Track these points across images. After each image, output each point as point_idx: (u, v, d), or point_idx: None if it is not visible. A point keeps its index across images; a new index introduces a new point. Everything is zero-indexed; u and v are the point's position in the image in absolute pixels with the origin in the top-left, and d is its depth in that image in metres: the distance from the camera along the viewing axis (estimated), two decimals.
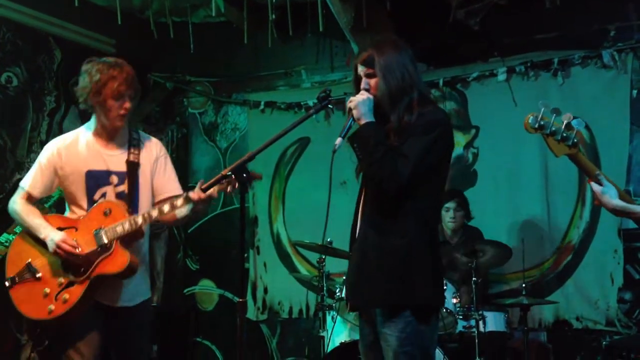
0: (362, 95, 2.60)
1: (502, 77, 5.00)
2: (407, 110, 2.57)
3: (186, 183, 6.13)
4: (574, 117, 2.42)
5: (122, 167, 3.14)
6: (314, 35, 5.51)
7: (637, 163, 4.63)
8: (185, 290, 6.06)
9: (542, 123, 2.40)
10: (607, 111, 4.70)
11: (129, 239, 2.99)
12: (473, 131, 5.18)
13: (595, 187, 2.42)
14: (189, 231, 6.12)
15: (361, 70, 2.67)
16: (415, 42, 5.07)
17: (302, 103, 5.71)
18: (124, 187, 3.12)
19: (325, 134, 5.55)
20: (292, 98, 5.79)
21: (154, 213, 2.97)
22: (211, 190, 2.88)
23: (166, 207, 2.96)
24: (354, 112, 2.59)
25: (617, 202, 2.38)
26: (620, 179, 4.57)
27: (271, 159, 5.80)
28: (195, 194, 2.89)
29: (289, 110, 5.79)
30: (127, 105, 3.06)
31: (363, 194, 2.73)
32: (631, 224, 3.58)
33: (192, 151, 6.20)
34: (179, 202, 2.96)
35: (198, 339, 5.97)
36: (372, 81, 2.63)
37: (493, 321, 4.20)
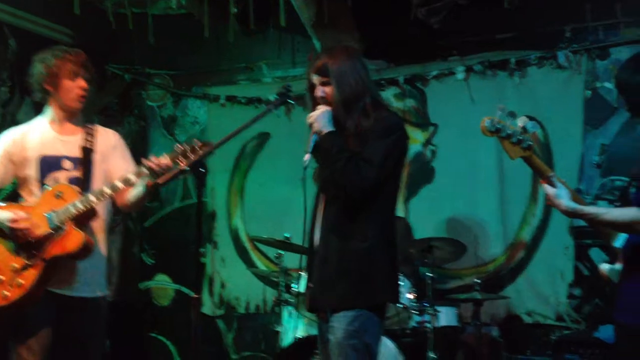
0: (320, 109, 2.67)
1: (460, 75, 5.07)
2: (363, 115, 2.65)
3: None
4: (529, 120, 2.49)
5: (77, 153, 3.14)
6: (276, 29, 5.51)
7: (589, 162, 4.74)
8: (140, 285, 6.00)
9: (498, 127, 2.45)
10: (561, 111, 4.80)
11: (82, 219, 2.98)
12: (432, 129, 5.23)
13: (548, 189, 2.48)
14: (145, 225, 6.05)
15: (315, 79, 2.72)
16: (376, 39, 5.17)
17: (263, 98, 5.69)
18: (77, 173, 3.11)
19: (285, 129, 5.56)
20: (253, 93, 5.77)
21: (107, 190, 2.97)
22: (166, 160, 2.88)
23: (119, 183, 2.97)
24: (315, 125, 2.66)
25: (569, 204, 2.44)
26: (572, 178, 4.68)
27: (231, 153, 5.78)
28: (149, 162, 2.90)
29: (250, 105, 5.76)
30: (83, 84, 3.08)
31: (322, 197, 2.77)
32: (582, 222, 3.68)
33: (150, 144, 6.12)
34: (132, 176, 2.96)
35: (153, 335, 5.92)
36: (327, 89, 2.69)
37: (446, 316, 4.26)
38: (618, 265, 2.60)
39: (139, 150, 5.98)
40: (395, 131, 2.67)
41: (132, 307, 5.81)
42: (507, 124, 2.47)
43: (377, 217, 2.65)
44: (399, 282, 2.87)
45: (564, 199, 2.44)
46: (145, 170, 2.94)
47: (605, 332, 4.01)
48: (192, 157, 2.76)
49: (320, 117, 2.65)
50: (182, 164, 2.80)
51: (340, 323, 2.59)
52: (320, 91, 2.70)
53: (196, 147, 2.79)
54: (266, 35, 5.68)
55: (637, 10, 4.65)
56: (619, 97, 4.60)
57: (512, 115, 2.48)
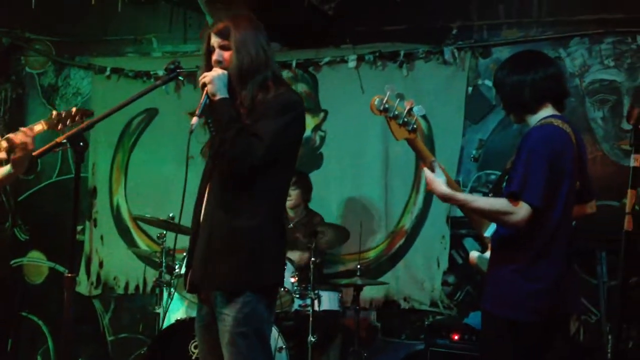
0: (217, 71, 2.55)
1: (352, 64, 5.14)
2: (262, 89, 2.55)
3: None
4: (415, 105, 2.56)
5: None
6: (168, 2, 5.34)
7: (467, 155, 4.95)
8: (11, 262, 5.70)
9: (386, 106, 2.50)
10: (444, 105, 4.97)
11: None
12: (322, 114, 5.29)
13: (428, 172, 2.57)
14: (19, 199, 5.74)
15: (215, 41, 2.60)
16: (270, 21, 5.11)
17: (151, 72, 5.52)
18: None
19: (174, 106, 5.43)
20: (142, 66, 5.58)
21: None
22: (31, 131, 2.73)
23: None
24: (209, 87, 2.52)
25: (444, 189, 2.53)
26: (451, 170, 4.87)
27: (115, 128, 5.58)
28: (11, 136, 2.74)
29: (137, 79, 5.58)
30: None
31: (210, 172, 2.67)
32: (459, 212, 3.86)
33: (28, 113, 5.81)
34: None
35: (24, 314, 5.65)
36: (226, 54, 2.57)
37: (328, 300, 4.34)
38: (487, 254, 2.74)
39: (15, 120, 5.67)
40: (293, 109, 2.58)
41: (1, 285, 5.52)
42: (395, 104, 2.52)
43: (268, 194, 2.56)
44: (286, 264, 2.85)
45: (440, 185, 2.54)
46: (4, 144, 2.76)
47: (475, 318, 4.22)
48: (69, 124, 2.62)
49: (216, 79, 2.52)
50: (59, 129, 2.67)
51: (229, 310, 2.50)
52: (217, 54, 2.58)
53: (73, 114, 2.66)
54: (157, 8, 5.50)
55: (518, 12, 4.90)
56: (497, 95, 4.84)
57: (400, 96, 2.52)
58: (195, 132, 2.53)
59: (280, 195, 2.68)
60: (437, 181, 2.54)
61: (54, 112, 2.93)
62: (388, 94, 2.51)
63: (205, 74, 2.56)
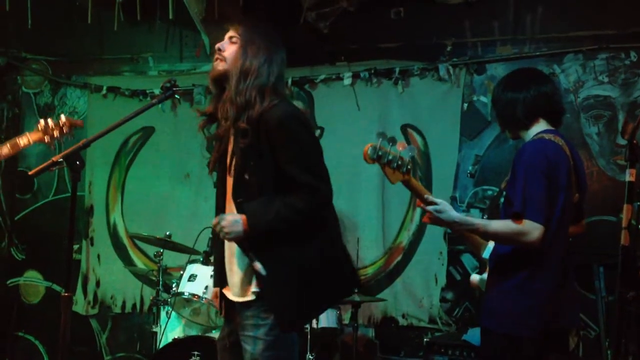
0: (226, 221, 2.46)
1: (347, 81, 5.16)
2: (259, 94, 2.48)
3: (15, 167, 5.74)
4: (407, 145, 2.56)
5: None
6: (164, 22, 5.36)
7: (463, 171, 4.96)
8: (8, 282, 5.67)
9: (380, 153, 2.49)
10: (440, 121, 4.99)
11: None
12: (318, 132, 5.29)
13: (432, 207, 2.54)
14: (15, 218, 5.73)
15: (227, 34, 2.59)
16: None
17: (148, 91, 5.53)
18: None
19: (170, 124, 5.44)
20: (138, 85, 5.59)
21: None
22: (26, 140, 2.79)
23: None
24: (234, 238, 2.46)
25: (456, 215, 2.53)
26: (448, 186, 4.89)
27: (112, 147, 5.58)
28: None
29: (134, 98, 5.59)
30: None
31: (227, 188, 2.59)
32: None
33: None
34: None
35: (20, 334, 5.61)
36: (231, 46, 2.55)
37: (326, 318, 4.32)
38: (486, 275, 2.74)
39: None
40: (294, 122, 2.49)
41: None
42: (388, 150, 2.50)
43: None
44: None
45: (451, 210, 2.53)
46: None
47: (474, 334, 4.20)
48: (57, 134, 2.62)
49: (231, 226, 2.44)
50: (46, 141, 2.67)
51: (255, 333, 2.46)
52: (221, 44, 2.56)
53: (61, 125, 2.65)
54: (153, 27, 5.53)
55: (512, 29, 4.94)
56: (492, 111, 4.87)
57: (392, 141, 2.51)
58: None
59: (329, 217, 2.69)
60: (446, 210, 2.52)
61: (41, 123, 2.90)
62: (380, 140, 2.49)
63: (216, 224, 2.46)
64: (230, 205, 2.56)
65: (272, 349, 2.46)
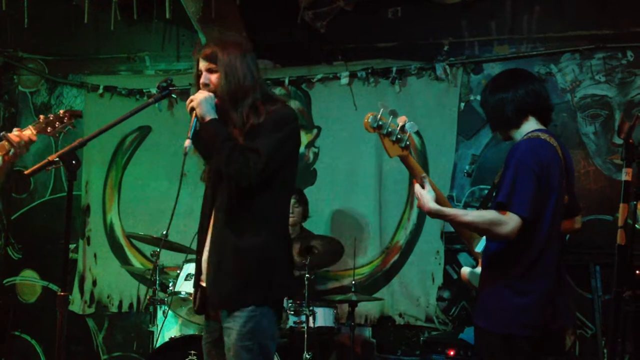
0: (203, 94, 2.58)
1: (344, 80, 5.16)
2: (252, 111, 2.57)
3: (9, 174, 5.72)
4: (408, 121, 2.56)
5: None
6: (161, 21, 5.36)
7: (460, 171, 4.97)
8: (4, 281, 5.66)
9: (380, 123, 2.51)
10: (437, 121, 5.00)
11: None
12: (315, 131, 5.30)
13: (418, 188, 2.57)
14: (12, 217, 5.72)
15: (203, 65, 2.64)
16: (263, 38, 5.17)
17: (144, 90, 5.53)
18: None
19: (167, 123, 5.44)
20: (134, 84, 5.59)
21: None
22: (30, 131, 2.76)
23: None
24: (197, 110, 2.55)
25: (431, 205, 2.53)
26: (445, 185, 4.89)
27: (108, 146, 5.58)
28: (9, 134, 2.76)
29: (131, 97, 5.59)
30: None
31: (212, 193, 2.68)
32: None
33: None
34: None
35: (17, 333, 5.60)
36: (213, 77, 2.61)
37: (323, 317, 4.32)
38: (478, 269, 2.73)
39: None
40: (287, 124, 2.60)
41: None
42: (388, 121, 2.52)
43: (271, 211, 2.60)
44: (293, 276, 2.86)
45: (429, 200, 2.54)
46: (4, 143, 2.76)
47: (470, 333, 4.22)
48: (58, 126, 2.62)
49: (203, 102, 2.55)
50: (48, 132, 2.67)
51: (234, 324, 2.53)
52: (204, 77, 2.61)
53: (62, 116, 2.65)
54: (150, 26, 5.52)
55: (509, 29, 4.94)
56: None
57: (393, 113, 2.53)
58: (189, 149, 2.54)
59: (283, 211, 2.71)
60: (426, 197, 2.54)
61: (42, 117, 2.92)
62: (381, 110, 2.52)
63: (192, 97, 2.59)
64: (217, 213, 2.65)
65: (248, 339, 2.52)
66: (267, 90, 2.71)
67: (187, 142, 2.50)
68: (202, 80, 2.62)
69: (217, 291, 2.59)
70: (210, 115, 2.55)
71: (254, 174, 2.48)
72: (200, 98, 2.56)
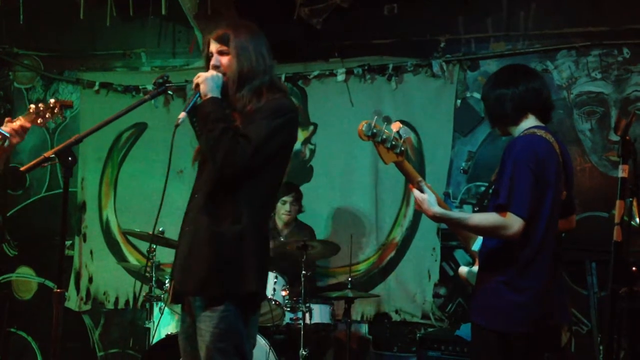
0: (212, 72, 2.53)
1: (341, 77, 5.15)
2: (255, 95, 2.52)
3: (7, 163, 5.71)
4: (402, 126, 2.56)
5: None
6: (157, 17, 5.34)
7: (457, 167, 4.97)
8: (0, 278, 5.65)
9: (374, 131, 2.50)
10: (434, 117, 5.00)
11: None
12: (311, 128, 5.30)
13: (417, 193, 2.57)
14: (7, 214, 5.71)
15: (214, 47, 2.59)
16: None
17: (140, 87, 5.52)
18: None
19: (163, 120, 5.43)
20: (130, 81, 5.57)
21: None
22: (22, 121, 2.79)
23: None
24: (202, 87, 2.49)
25: (436, 209, 2.54)
26: (441, 182, 4.90)
27: (104, 143, 5.57)
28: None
29: (126, 94, 5.58)
30: None
31: (199, 175, 2.63)
32: None
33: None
34: None
35: (12, 330, 5.60)
36: (224, 59, 2.56)
37: (319, 313, 4.33)
38: (475, 268, 2.74)
39: None
40: (285, 114, 2.53)
41: None
42: (383, 128, 2.51)
43: (254, 201, 2.49)
44: (268, 274, 2.78)
45: (432, 205, 2.54)
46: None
47: (467, 330, 4.21)
48: (49, 116, 2.61)
49: (209, 80, 2.49)
50: (39, 123, 2.67)
51: (206, 324, 2.45)
52: (215, 60, 2.56)
53: (52, 106, 2.64)
54: (146, 23, 5.50)
55: (505, 25, 4.94)
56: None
57: (387, 120, 2.53)
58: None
59: (266, 203, 2.61)
60: (428, 201, 2.54)
61: (32, 106, 2.91)
62: (375, 118, 2.51)
63: (200, 74, 2.54)
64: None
65: (222, 340, 2.45)
66: (275, 79, 2.64)
67: (182, 115, 2.44)
68: (212, 62, 2.57)
69: (185, 276, 2.50)
70: (212, 94, 2.50)
71: (239, 163, 2.41)
72: (207, 75, 2.51)
